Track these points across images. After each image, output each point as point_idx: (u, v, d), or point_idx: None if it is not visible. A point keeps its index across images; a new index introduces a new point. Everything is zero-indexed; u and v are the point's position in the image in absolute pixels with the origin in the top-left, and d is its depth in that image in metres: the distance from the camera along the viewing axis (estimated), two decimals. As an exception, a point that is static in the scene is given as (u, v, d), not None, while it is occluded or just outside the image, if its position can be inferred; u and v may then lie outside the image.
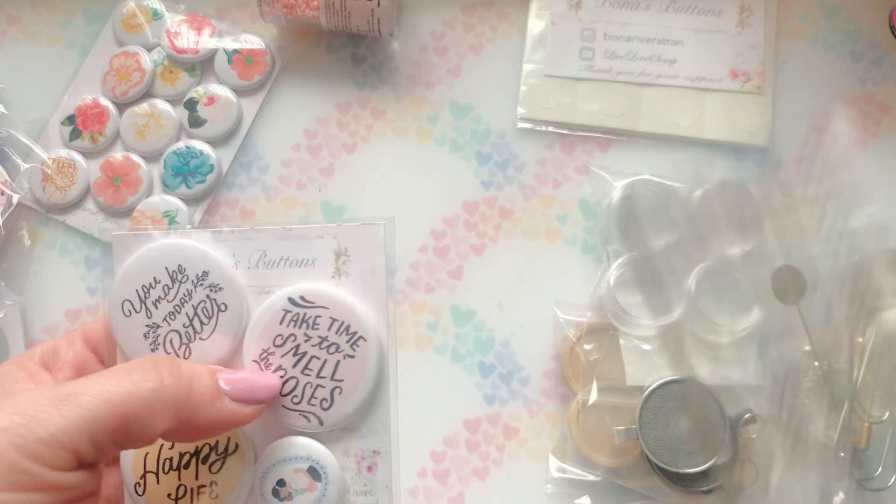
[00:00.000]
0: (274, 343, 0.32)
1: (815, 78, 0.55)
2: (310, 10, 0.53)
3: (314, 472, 0.32)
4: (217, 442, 0.32)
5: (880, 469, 0.47)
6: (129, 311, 0.33)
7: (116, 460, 0.33)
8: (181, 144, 0.54)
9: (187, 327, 0.32)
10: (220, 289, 0.32)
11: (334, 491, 0.31)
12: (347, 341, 0.32)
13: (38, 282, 0.53)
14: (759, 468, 0.46)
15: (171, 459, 0.32)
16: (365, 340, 0.32)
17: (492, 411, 0.50)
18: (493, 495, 0.49)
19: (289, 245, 0.33)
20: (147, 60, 0.55)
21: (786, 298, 0.48)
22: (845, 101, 0.54)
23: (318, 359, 0.32)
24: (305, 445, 0.32)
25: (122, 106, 0.55)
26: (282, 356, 0.32)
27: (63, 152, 0.54)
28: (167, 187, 0.53)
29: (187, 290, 0.32)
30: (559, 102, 0.55)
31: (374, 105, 0.55)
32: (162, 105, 0.55)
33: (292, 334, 0.32)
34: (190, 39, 0.55)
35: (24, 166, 0.54)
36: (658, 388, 0.46)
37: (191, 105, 0.55)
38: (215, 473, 0.32)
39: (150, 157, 0.54)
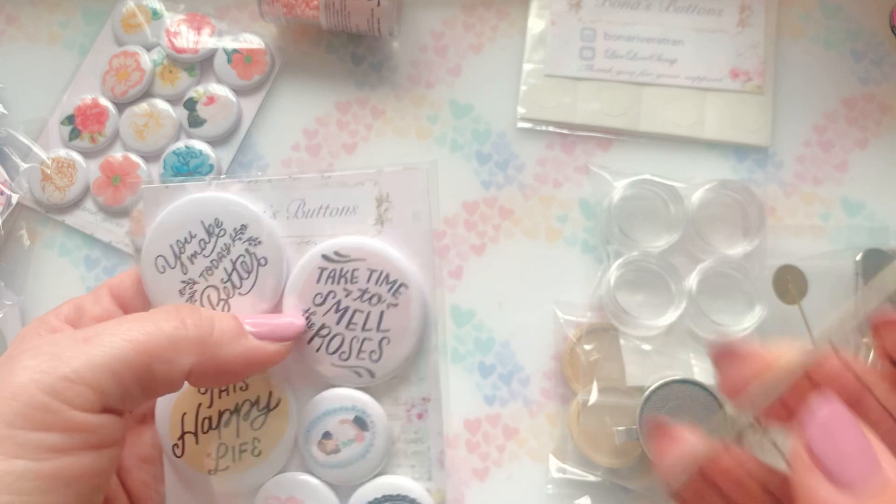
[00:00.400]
0: (314, 302, 0.31)
1: (816, 77, 0.55)
2: (309, 10, 0.53)
3: (361, 423, 0.31)
4: (258, 397, 0.31)
5: (882, 469, 0.47)
6: (164, 266, 0.31)
7: (151, 417, 0.32)
8: (181, 144, 0.54)
9: (225, 283, 0.31)
10: (260, 242, 0.31)
11: (382, 440, 0.31)
12: (389, 290, 0.31)
13: (37, 282, 0.53)
14: (760, 468, 0.46)
15: (209, 419, 0.31)
16: (406, 287, 0.31)
17: (492, 412, 0.50)
18: (494, 496, 0.49)
19: (328, 193, 0.32)
20: (146, 60, 0.55)
21: (787, 298, 0.48)
22: (846, 100, 0.54)
23: (362, 312, 0.31)
24: (350, 396, 0.31)
25: (121, 106, 0.55)
26: (324, 314, 0.31)
27: (62, 152, 0.54)
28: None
29: (225, 244, 0.31)
30: (559, 102, 0.55)
31: (373, 105, 0.55)
32: (161, 105, 0.55)
33: (331, 291, 0.31)
34: (189, 39, 0.55)
35: (23, 166, 0.54)
36: (659, 388, 0.46)
37: (190, 105, 0.54)
38: (257, 430, 0.31)
39: (149, 157, 0.54)
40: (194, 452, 0.31)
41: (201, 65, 0.56)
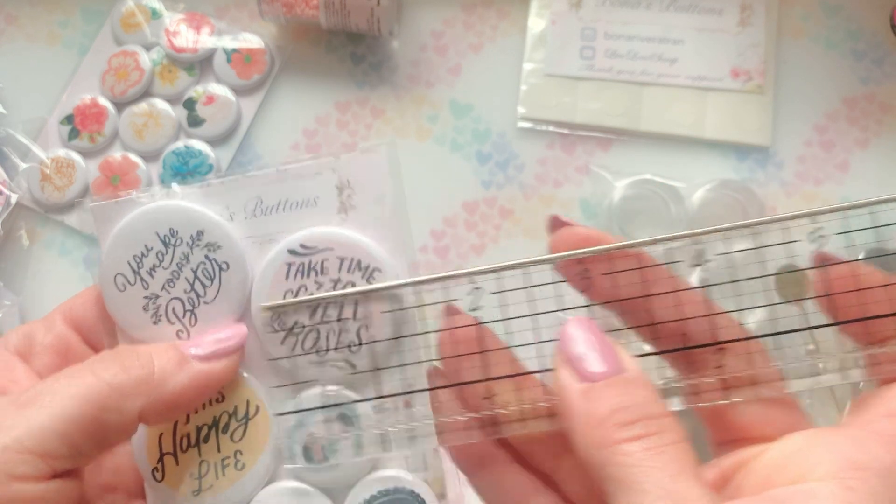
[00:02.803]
0: (284, 300, 0.30)
1: (817, 77, 0.55)
2: (309, 9, 0.52)
3: (345, 419, 0.30)
4: (236, 407, 0.30)
5: (883, 470, 0.46)
6: (123, 284, 0.30)
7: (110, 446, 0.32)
8: (180, 144, 0.54)
9: (189, 293, 0.30)
10: (219, 247, 0.30)
11: (371, 435, 0.30)
12: (362, 277, 0.30)
13: (36, 282, 0.53)
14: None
15: (188, 436, 0.30)
16: (380, 271, 0.30)
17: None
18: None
19: (285, 187, 0.30)
20: (146, 60, 0.55)
21: (788, 298, 0.48)
22: (847, 100, 0.54)
23: (335, 303, 0.30)
24: (331, 393, 0.30)
25: (120, 105, 0.55)
26: (295, 311, 0.30)
27: (61, 152, 0.54)
28: (166, 187, 0.53)
29: (183, 253, 0.30)
30: (560, 102, 0.54)
31: (373, 104, 0.55)
32: (161, 104, 0.54)
33: (302, 286, 0.30)
34: (189, 38, 0.55)
35: (22, 166, 0.54)
36: (659, 388, 0.46)
37: (190, 104, 0.54)
38: (238, 442, 0.30)
39: (148, 157, 0.54)
40: (176, 474, 0.30)
41: (201, 64, 0.56)
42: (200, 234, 0.30)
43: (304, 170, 0.31)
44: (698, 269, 0.49)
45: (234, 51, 0.55)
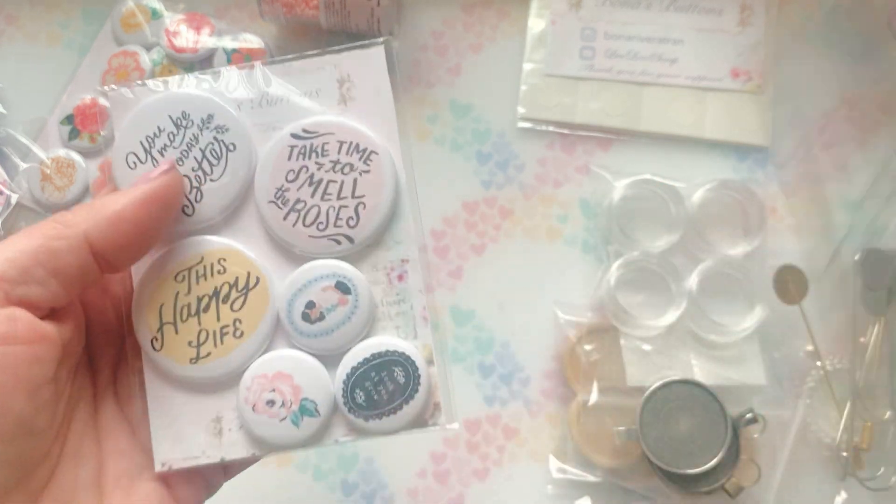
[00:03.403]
0: (287, 179, 0.32)
1: (816, 77, 0.55)
2: (309, 9, 0.53)
3: (342, 287, 0.31)
4: (237, 278, 0.32)
5: (882, 469, 0.47)
6: (134, 162, 0.32)
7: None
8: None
9: (196, 171, 0.32)
10: (227, 129, 0.32)
11: (365, 302, 0.31)
12: (360, 158, 0.32)
13: (36, 282, 0.53)
14: (762, 468, 0.46)
15: (188, 306, 0.31)
16: (377, 154, 0.32)
17: (492, 412, 0.50)
18: (494, 496, 0.49)
19: (290, 80, 0.33)
20: (146, 60, 0.55)
21: (788, 298, 0.48)
22: (846, 100, 0.54)
23: (335, 182, 0.32)
24: (329, 264, 0.32)
25: (120, 105, 0.55)
26: (298, 189, 0.32)
27: (62, 152, 0.54)
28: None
29: (193, 134, 0.32)
30: (560, 102, 0.54)
31: (373, 104, 0.55)
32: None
33: (304, 166, 0.32)
34: (189, 39, 0.55)
35: (22, 166, 0.54)
36: (659, 388, 0.46)
37: (190, 104, 0.54)
38: (238, 311, 0.31)
39: (149, 157, 0.54)
40: (174, 343, 0.31)
41: (201, 64, 0.56)
42: (210, 117, 0.32)
43: (307, 65, 0.33)
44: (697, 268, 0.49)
45: (235, 51, 0.55)
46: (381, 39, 0.33)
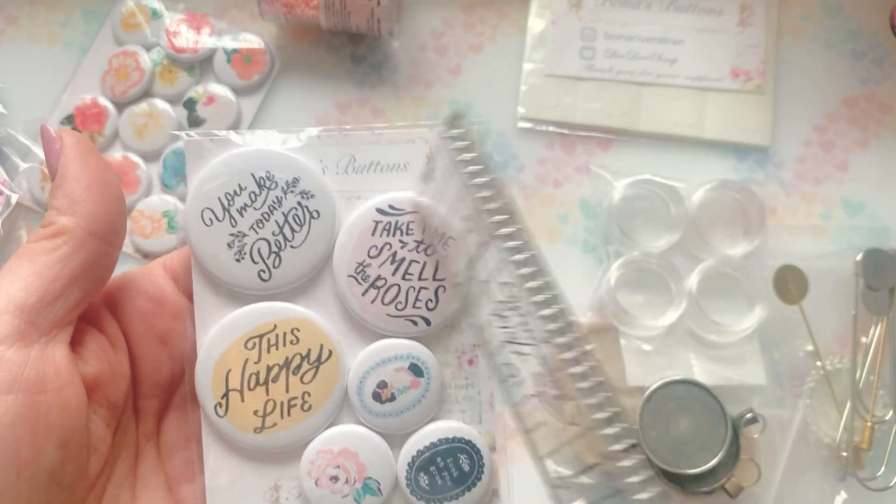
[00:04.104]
0: (368, 255, 0.31)
1: (817, 77, 0.55)
2: (309, 10, 0.53)
3: (416, 369, 0.31)
4: (309, 350, 0.31)
5: (883, 469, 0.47)
6: (211, 219, 0.31)
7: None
8: (180, 144, 0.54)
9: (277, 235, 0.31)
10: (312, 196, 0.31)
11: (436, 386, 0.31)
12: (439, 242, 0.31)
13: (36, 282, 0.53)
14: (762, 468, 0.46)
15: (257, 374, 0.30)
16: (454, 240, 0.31)
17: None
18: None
19: (378, 149, 0.32)
20: (146, 60, 0.55)
21: (788, 298, 0.48)
22: (846, 100, 0.54)
23: (417, 262, 0.31)
24: (405, 344, 0.31)
25: (120, 105, 0.55)
26: (379, 266, 0.31)
27: (62, 152, 0.54)
28: (166, 187, 0.53)
29: (276, 196, 0.31)
30: (560, 102, 0.54)
31: (373, 104, 0.55)
32: (161, 105, 0.54)
33: (387, 243, 0.31)
34: (189, 39, 0.55)
35: (22, 166, 0.54)
36: (659, 388, 0.46)
37: (190, 105, 0.54)
38: (307, 384, 0.31)
39: (149, 157, 0.54)
40: (239, 411, 0.30)
41: (201, 64, 0.56)
42: (296, 181, 0.31)
43: (398, 136, 0.32)
44: (697, 268, 0.49)
45: (235, 51, 0.55)
46: (477, 120, 0.32)
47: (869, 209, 0.52)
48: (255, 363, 0.31)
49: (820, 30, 0.56)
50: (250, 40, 0.55)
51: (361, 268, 0.31)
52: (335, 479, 0.30)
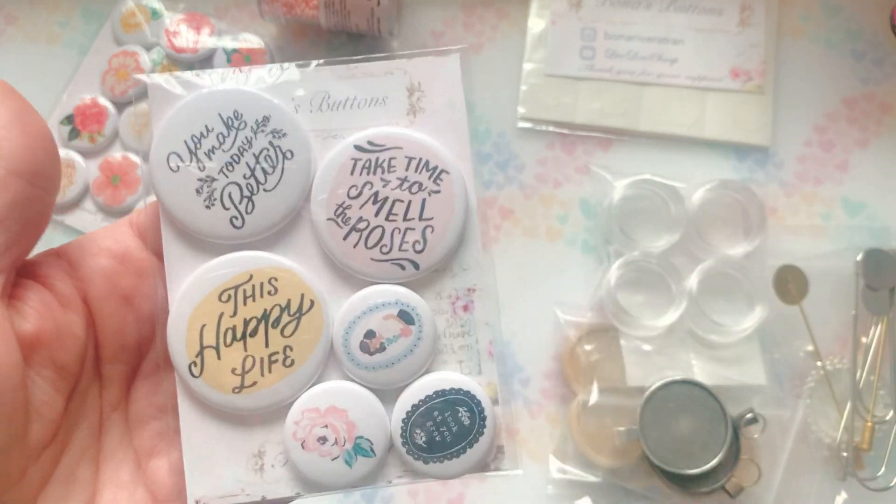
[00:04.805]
0: (348, 195, 0.29)
1: (817, 77, 0.55)
2: (309, 9, 0.52)
3: (406, 316, 0.29)
4: (289, 301, 0.28)
5: (883, 469, 0.47)
6: (177, 165, 0.29)
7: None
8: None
9: (248, 178, 0.29)
10: (284, 134, 0.29)
11: (429, 334, 0.29)
12: (430, 177, 0.29)
13: (36, 282, 0.53)
14: (762, 468, 0.46)
15: (233, 329, 0.28)
16: (447, 173, 0.29)
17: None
18: (494, 496, 0.49)
19: (354, 84, 0.30)
20: (146, 60, 0.55)
21: (788, 298, 0.48)
22: (846, 100, 0.54)
23: (402, 201, 0.29)
24: (393, 290, 0.29)
25: (120, 105, 0.55)
26: (360, 207, 0.29)
27: (62, 152, 0.54)
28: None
29: (246, 137, 0.29)
30: (560, 102, 0.54)
31: (373, 104, 0.55)
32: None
33: (367, 182, 0.29)
34: (189, 39, 0.55)
35: (22, 166, 0.54)
36: (659, 388, 0.46)
37: (190, 104, 0.54)
38: (288, 337, 0.28)
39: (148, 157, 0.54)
40: (216, 369, 0.28)
41: (201, 64, 0.55)
42: (266, 119, 0.29)
43: (375, 68, 0.30)
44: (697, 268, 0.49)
45: (235, 51, 0.55)
46: (457, 47, 0.31)
47: (869, 209, 0.52)
48: (231, 317, 0.28)
49: (820, 30, 0.56)
50: (250, 40, 0.55)
51: (341, 210, 0.29)
52: (323, 440, 0.28)
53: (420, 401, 0.29)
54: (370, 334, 0.29)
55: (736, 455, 0.45)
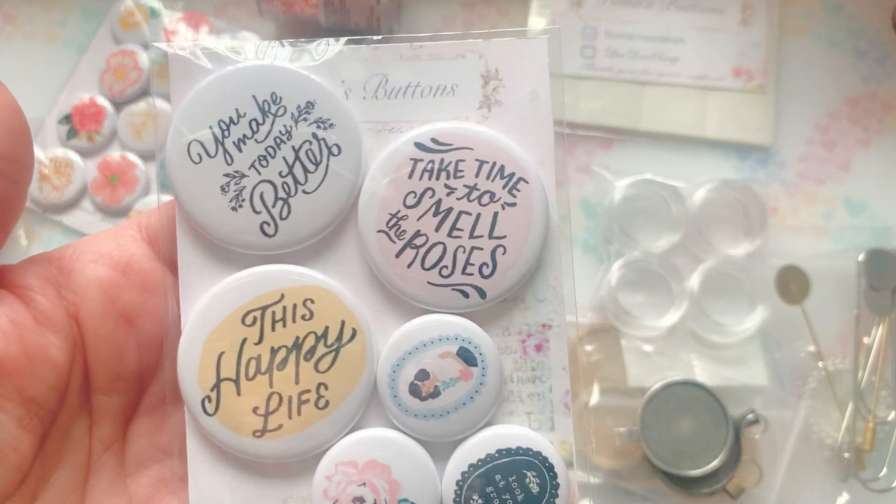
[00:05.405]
0: (405, 203, 0.24)
1: (818, 76, 0.55)
2: (308, 8, 0.52)
3: (467, 355, 0.24)
4: (326, 328, 0.24)
5: (885, 470, 0.46)
6: (200, 154, 0.24)
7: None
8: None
9: (285, 176, 0.24)
10: (331, 125, 0.24)
11: (494, 379, 0.24)
12: (504, 186, 0.24)
13: (34, 282, 0.52)
14: (763, 469, 0.46)
15: (258, 359, 0.23)
16: (526, 182, 0.24)
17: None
18: (494, 497, 0.48)
19: (418, 67, 0.24)
20: (145, 59, 0.55)
21: (790, 298, 0.48)
22: (848, 99, 0.54)
23: (469, 214, 0.24)
24: (451, 322, 0.24)
25: (119, 105, 0.55)
26: (418, 218, 0.24)
27: (60, 151, 0.54)
28: (165, 187, 0.53)
29: (285, 126, 0.24)
30: (560, 101, 0.54)
31: (373, 104, 0.55)
32: (160, 104, 0.54)
33: (429, 188, 0.24)
34: (188, 37, 0.55)
35: (20, 165, 0.53)
36: (660, 389, 0.46)
37: (189, 104, 0.54)
38: (324, 373, 0.23)
39: (147, 157, 0.54)
40: (234, 408, 0.23)
41: (200, 63, 0.55)
42: (310, 105, 0.24)
43: (443, 49, 0.24)
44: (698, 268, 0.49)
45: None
46: (544, 28, 0.25)
47: (871, 209, 0.52)
48: (256, 344, 0.24)
49: (822, 29, 0.55)
50: (249, 39, 0.55)
51: (395, 220, 0.24)
52: (360, 500, 0.23)
53: (479, 460, 0.24)
54: (422, 375, 0.24)
55: (737, 456, 0.45)
